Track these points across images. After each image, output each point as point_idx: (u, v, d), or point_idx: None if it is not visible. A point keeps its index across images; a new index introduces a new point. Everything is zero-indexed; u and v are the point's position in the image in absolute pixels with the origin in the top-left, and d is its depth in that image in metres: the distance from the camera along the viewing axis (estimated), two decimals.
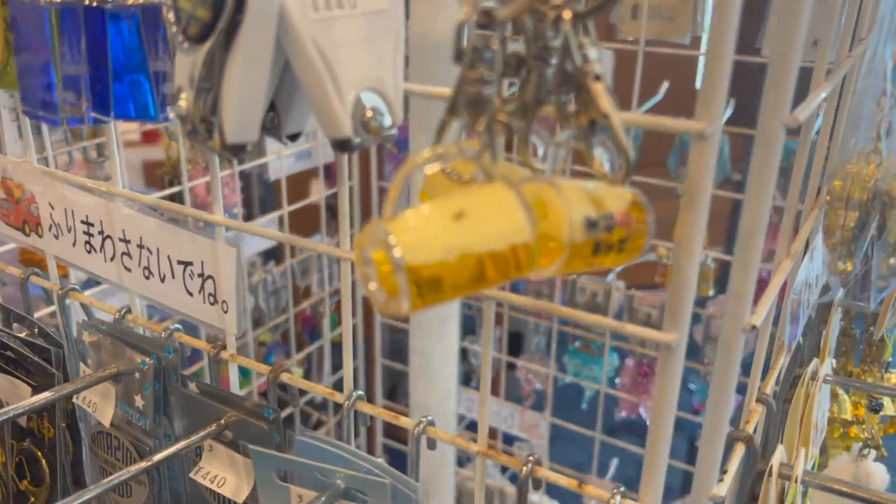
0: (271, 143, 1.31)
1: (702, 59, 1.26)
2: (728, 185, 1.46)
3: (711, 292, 1.34)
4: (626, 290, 1.39)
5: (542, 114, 0.34)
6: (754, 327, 0.38)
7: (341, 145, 0.37)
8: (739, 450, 0.46)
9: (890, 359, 0.78)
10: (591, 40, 0.31)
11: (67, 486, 0.63)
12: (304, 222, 1.56)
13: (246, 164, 1.30)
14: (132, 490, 0.59)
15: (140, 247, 0.56)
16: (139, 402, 0.55)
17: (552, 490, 1.57)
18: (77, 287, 0.63)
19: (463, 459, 1.65)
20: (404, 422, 0.49)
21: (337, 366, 1.60)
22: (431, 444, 0.48)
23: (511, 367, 1.61)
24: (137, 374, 0.55)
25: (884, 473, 0.79)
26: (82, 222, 0.58)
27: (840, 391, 0.86)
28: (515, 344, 1.86)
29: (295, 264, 1.47)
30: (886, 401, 0.89)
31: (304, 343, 1.55)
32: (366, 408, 0.50)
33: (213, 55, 0.34)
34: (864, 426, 0.79)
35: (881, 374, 0.78)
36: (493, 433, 1.63)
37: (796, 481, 0.46)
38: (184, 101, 0.35)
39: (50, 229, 0.61)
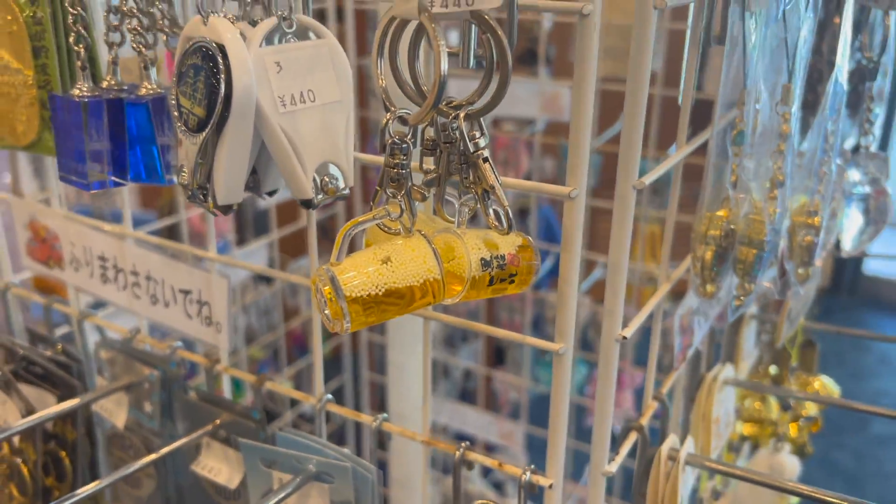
0: None
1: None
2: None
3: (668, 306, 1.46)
4: (591, 306, 1.50)
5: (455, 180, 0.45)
6: (625, 338, 0.50)
7: (305, 204, 0.49)
8: (632, 436, 0.58)
9: (794, 363, 0.89)
10: (481, 132, 0.42)
11: (87, 481, 0.74)
12: (296, 244, 1.67)
13: None
14: (142, 483, 0.70)
15: (148, 278, 0.67)
16: (148, 407, 0.67)
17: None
18: (94, 312, 0.74)
19: (449, 467, 1.76)
20: (364, 418, 0.60)
21: (326, 380, 1.71)
22: (387, 437, 0.59)
23: (488, 379, 1.72)
24: (147, 385, 0.66)
25: (795, 465, 0.91)
26: (98, 258, 0.70)
27: (769, 395, 0.97)
28: (500, 357, 1.97)
29: (285, 285, 1.58)
30: (809, 403, 1.00)
31: (294, 359, 1.66)
32: (334, 408, 0.61)
33: (207, 140, 0.45)
34: (776, 423, 0.90)
35: (789, 377, 0.89)
36: (472, 441, 1.73)
37: (681, 461, 0.58)
38: (185, 174, 0.47)
39: (71, 263, 0.72)
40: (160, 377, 0.65)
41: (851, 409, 0.78)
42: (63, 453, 0.73)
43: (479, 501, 0.55)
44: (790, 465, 0.89)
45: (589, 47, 0.42)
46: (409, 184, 0.42)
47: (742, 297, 0.55)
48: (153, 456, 0.61)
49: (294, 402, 1.59)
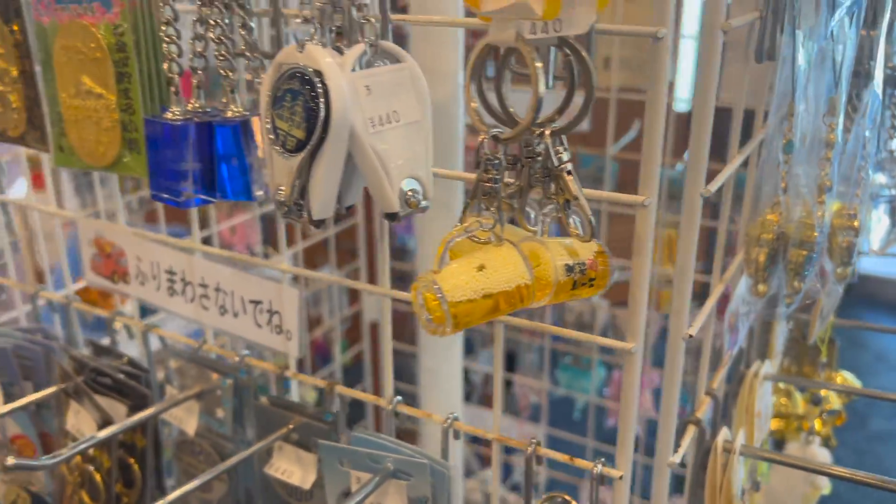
0: None
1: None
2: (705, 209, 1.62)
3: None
4: (609, 309, 1.54)
5: (533, 194, 0.49)
6: (692, 336, 0.53)
7: (391, 216, 0.52)
8: (691, 430, 0.61)
9: (825, 359, 0.93)
10: (564, 147, 0.46)
11: (153, 487, 0.77)
12: (312, 255, 1.70)
13: (266, 209, 1.44)
14: (213, 486, 0.73)
15: (217, 290, 0.70)
16: (220, 413, 0.70)
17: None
18: (157, 324, 0.77)
19: (471, 471, 1.79)
20: (436, 419, 0.63)
21: (349, 386, 1.73)
22: (457, 435, 0.63)
23: (508, 383, 1.75)
24: (219, 392, 0.69)
25: (826, 457, 0.94)
26: (166, 271, 0.73)
27: (794, 390, 1.01)
28: (509, 362, 2.01)
29: (308, 295, 1.61)
30: (832, 396, 1.04)
31: (318, 368, 1.69)
32: (406, 409, 0.65)
33: (305, 160, 0.49)
34: (806, 417, 0.94)
35: (819, 373, 0.93)
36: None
37: (735, 452, 0.61)
38: (283, 192, 0.50)
39: (136, 277, 0.75)
40: (233, 384, 0.68)
41: (884, 400, 0.81)
42: (132, 460, 0.76)
43: (551, 493, 0.58)
44: (822, 456, 0.92)
45: (662, 68, 0.46)
46: (501, 196, 0.46)
47: (792, 296, 0.59)
48: (233, 460, 0.64)
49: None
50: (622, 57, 1.33)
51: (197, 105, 0.57)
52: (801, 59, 0.53)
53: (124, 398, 0.74)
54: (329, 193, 0.50)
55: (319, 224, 0.51)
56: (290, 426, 0.67)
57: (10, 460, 0.57)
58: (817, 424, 1.03)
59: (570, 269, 0.47)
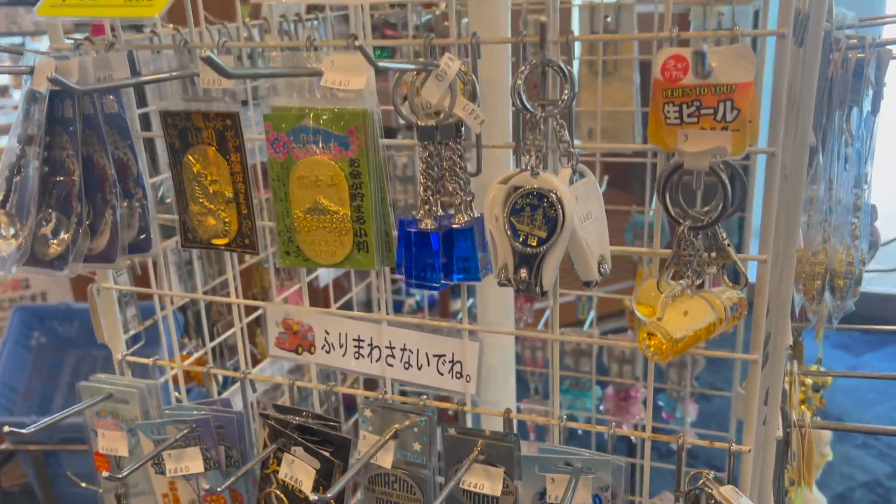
0: None
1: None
2: None
3: None
4: (601, 338, 1.79)
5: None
6: (792, 346, 0.78)
7: (587, 283, 0.75)
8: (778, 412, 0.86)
9: (821, 356, 1.21)
10: (724, 235, 0.70)
11: None
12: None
13: (309, 277, 1.61)
14: None
15: (403, 350, 0.90)
16: (417, 447, 0.89)
17: None
18: (337, 383, 0.95)
19: None
20: (600, 429, 0.85)
21: None
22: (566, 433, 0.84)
23: (517, 409, 1.97)
24: (416, 429, 0.88)
25: (829, 431, 1.22)
26: (354, 340, 0.92)
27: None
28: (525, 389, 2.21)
29: None
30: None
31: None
32: (573, 424, 0.86)
33: (541, 251, 0.70)
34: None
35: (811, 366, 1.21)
36: None
37: (808, 427, 0.86)
38: (524, 274, 0.72)
39: (322, 348, 0.94)
40: (429, 421, 0.88)
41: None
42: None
43: (699, 470, 0.81)
44: (825, 432, 1.20)
45: (774, 179, 0.70)
46: (692, 265, 0.69)
47: (839, 312, 0.85)
48: (450, 485, 0.83)
49: None
50: (603, 128, 1.61)
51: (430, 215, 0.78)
52: (834, 153, 0.80)
53: (324, 446, 0.92)
54: (555, 272, 0.72)
55: (546, 293, 0.73)
56: (479, 447, 0.87)
57: (312, 496, 0.74)
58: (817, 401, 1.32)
59: (732, 308, 0.71)
